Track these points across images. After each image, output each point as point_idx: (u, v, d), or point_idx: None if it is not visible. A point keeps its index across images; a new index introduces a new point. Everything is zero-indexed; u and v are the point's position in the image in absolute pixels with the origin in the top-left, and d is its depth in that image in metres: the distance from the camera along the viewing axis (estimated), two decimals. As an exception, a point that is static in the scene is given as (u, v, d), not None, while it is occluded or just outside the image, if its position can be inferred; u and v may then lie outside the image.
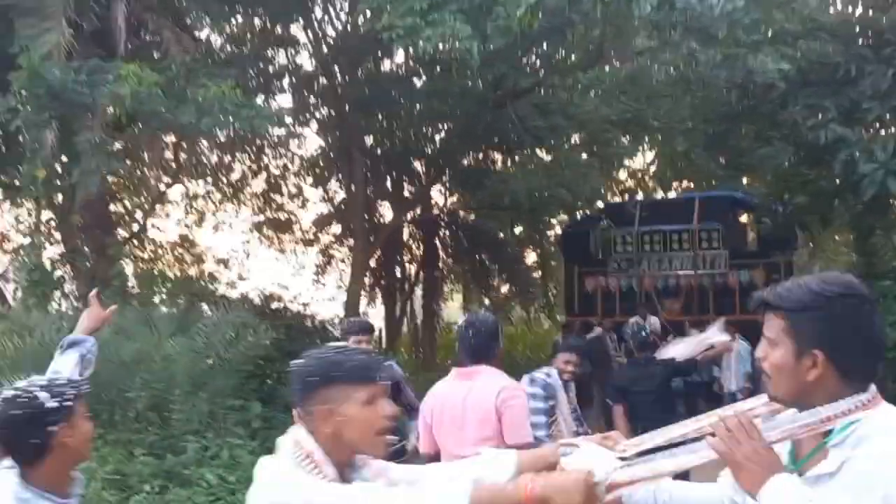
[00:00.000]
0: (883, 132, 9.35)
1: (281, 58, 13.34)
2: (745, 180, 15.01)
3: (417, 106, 13.28)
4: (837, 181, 9.39)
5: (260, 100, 11.41)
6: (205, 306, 9.92)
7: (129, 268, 11.86)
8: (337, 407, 1.76)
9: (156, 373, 7.32)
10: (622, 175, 20.40)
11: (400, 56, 13.13)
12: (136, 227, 14.61)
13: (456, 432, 3.50)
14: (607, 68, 11.38)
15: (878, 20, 9.19)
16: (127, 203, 14.84)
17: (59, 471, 2.08)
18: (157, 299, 10.89)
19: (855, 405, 1.57)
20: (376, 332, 4.55)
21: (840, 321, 1.59)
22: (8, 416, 2.01)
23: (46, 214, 11.35)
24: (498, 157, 16.07)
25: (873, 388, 1.62)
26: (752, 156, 10.44)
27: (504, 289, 19.83)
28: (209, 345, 7.82)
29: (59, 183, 8.83)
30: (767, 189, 11.81)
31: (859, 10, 9.91)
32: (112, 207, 12.91)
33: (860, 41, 9.04)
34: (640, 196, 20.19)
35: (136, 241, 14.51)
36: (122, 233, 13.07)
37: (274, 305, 11.87)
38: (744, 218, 15.19)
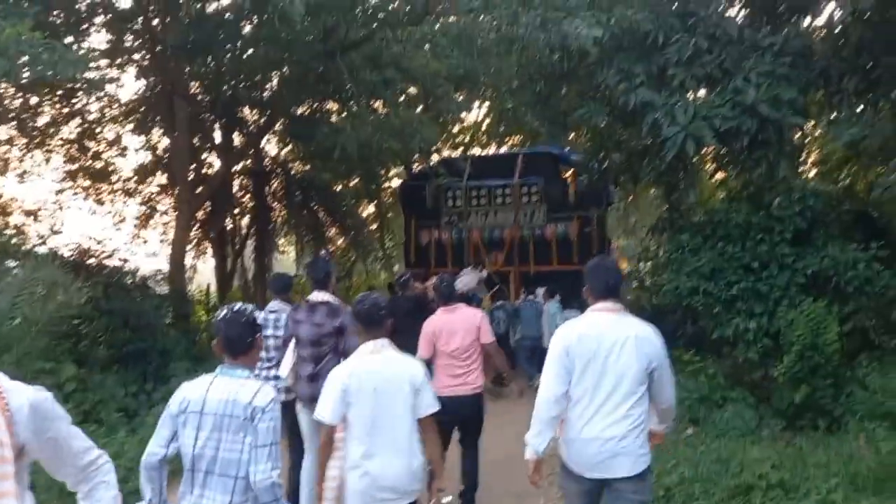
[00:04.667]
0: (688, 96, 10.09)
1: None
2: (571, 137, 15.72)
3: (246, 51, 12.77)
4: (646, 142, 10.10)
5: (68, 40, 10.53)
6: (11, 263, 9.18)
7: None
8: None
9: (-45, 336, 6.80)
10: (456, 129, 20.86)
11: (225, -3, 12.56)
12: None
13: (452, 338, 5.72)
14: (438, 24, 11.45)
15: (687, -10, 9.80)
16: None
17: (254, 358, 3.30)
18: (-46, 256, 9.91)
19: None
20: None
21: None
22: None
23: None
24: (332, 107, 15.82)
25: None
26: (573, 115, 10.95)
27: (340, 241, 19.75)
28: (15, 305, 7.34)
29: None
30: (587, 147, 12.46)
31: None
32: None
33: (669, 10, 9.65)
34: (474, 150, 20.75)
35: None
36: None
37: (90, 261, 11.21)
38: (565, 173, 15.98)
